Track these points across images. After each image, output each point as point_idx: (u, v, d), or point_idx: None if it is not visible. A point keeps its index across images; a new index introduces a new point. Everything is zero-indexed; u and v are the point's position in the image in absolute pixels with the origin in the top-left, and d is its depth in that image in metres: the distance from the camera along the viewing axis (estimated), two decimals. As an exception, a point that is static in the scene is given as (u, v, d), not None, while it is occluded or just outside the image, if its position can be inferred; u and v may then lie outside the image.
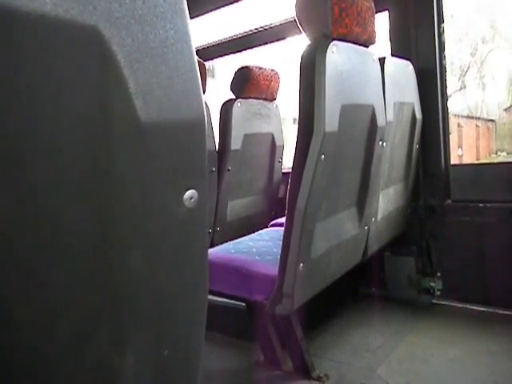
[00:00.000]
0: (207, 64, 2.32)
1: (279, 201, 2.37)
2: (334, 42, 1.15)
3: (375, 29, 1.36)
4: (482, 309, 1.69)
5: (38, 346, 0.43)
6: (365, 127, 1.36)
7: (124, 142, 0.44)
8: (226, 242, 1.61)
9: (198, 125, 0.50)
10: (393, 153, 1.62)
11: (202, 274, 0.56)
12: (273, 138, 2.34)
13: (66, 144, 0.41)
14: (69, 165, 0.41)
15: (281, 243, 1.18)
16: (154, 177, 0.47)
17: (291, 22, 2.15)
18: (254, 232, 1.77)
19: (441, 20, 1.79)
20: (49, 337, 0.44)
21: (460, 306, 1.74)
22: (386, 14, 1.84)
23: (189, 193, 0.50)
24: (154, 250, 0.50)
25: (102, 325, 0.47)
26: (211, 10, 2.35)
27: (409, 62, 1.71)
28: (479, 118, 11.27)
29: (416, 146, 1.78)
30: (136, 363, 0.49)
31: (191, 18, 0.49)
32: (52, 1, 0.36)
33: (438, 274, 1.80)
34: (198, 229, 0.54)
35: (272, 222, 1.98)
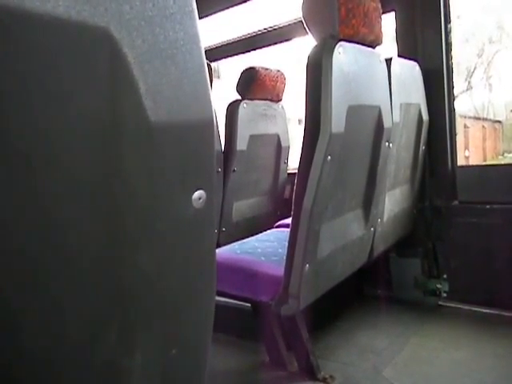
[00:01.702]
0: (212, 65, 2.32)
1: (285, 201, 2.37)
2: (341, 42, 1.15)
3: (382, 29, 1.36)
4: (489, 311, 1.68)
5: (47, 346, 0.43)
6: (371, 128, 1.36)
7: (133, 142, 0.44)
8: (232, 242, 1.61)
9: (206, 125, 0.50)
10: (399, 154, 1.62)
11: (210, 275, 0.56)
12: (278, 139, 2.34)
13: (76, 144, 0.41)
14: (78, 164, 0.42)
15: (286, 244, 1.18)
16: (163, 177, 0.48)
17: (298, 22, 2.15)
18: (259, 233, 1.77)
19: (447, 20, 1.78)
20: (58, 337, 0.44)
21: (466, 307, 1.73)
22: (392, 14, 1.83)
23: (197, 193, 0.50)
24: (162, 250, 0.50)
25: (110, 325, 0.47)
26: (218, 11, 2.35)
27: (415, 63, 1.71)
28: (486, 119, 11.19)
29: (422, 147, 1.78)
30: (144, 362, 0.50)
31: (198, 18, 0.50)
32: (64, 3, 0.36)
33: (444, 276, 1.79)
34: (207, 229, 0.54)
35: (278, 223, 1.98)
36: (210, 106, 0.50)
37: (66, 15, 0.36)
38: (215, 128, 0.51)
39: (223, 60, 2.65)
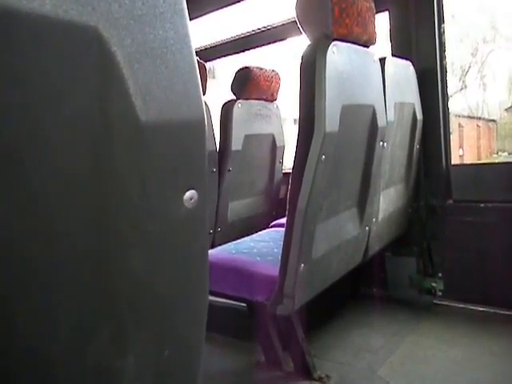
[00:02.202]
0: (207, 65, 2.32)
1: (280, 201, 2.37)
2: (335, 42, 1.15)
3: (375, 29, 1.36)
4: (484, 309, 1.69)
5: (38, 347, 0.43)
6: (365, 128, 1.36)
7: (124, 142, 0.44)
8: (227, 242, 1.61)
9: (197, 125, 0.50)
10: (393, 153, 1.62)
11: (203, 275, 0.56)
12: (273, 139, 2.34)
13: (66, 144, 0.41)
14: (68, 165, 0.41)
15: (282, 244, 1.18)
16: (154, 177, 0.47)
17: (292, 22, 2.15)
18: (254, 233, 1.77)
19: (441, 20, 1.79)
20: (49, 337, 0.44)
21: (461, 306, 1.74)
22: (386, 14, 1.84)
23: (189, 193, 0.50)
24: (154, 250, 0.50)
25: (102, 325, 0.47)
26: (211, 11, 2.35)
27: (409, 63, 1.71)
28: (480, 118, 11.25)
29: (417, 146, 1.78)
30: (137, 363, 0.49)
31: (191, 19, 0.49)
32: (51, 1, 0.36)
33: (439, 275, 1.80)
34: (198, 229, 0.54)
35: (273, 223, 1.98)
36: (201, 106, 0.50)
37: (53, 14, 0.36)
38: (207, 127, 0.51)
39: (218, 60, 2.65)
